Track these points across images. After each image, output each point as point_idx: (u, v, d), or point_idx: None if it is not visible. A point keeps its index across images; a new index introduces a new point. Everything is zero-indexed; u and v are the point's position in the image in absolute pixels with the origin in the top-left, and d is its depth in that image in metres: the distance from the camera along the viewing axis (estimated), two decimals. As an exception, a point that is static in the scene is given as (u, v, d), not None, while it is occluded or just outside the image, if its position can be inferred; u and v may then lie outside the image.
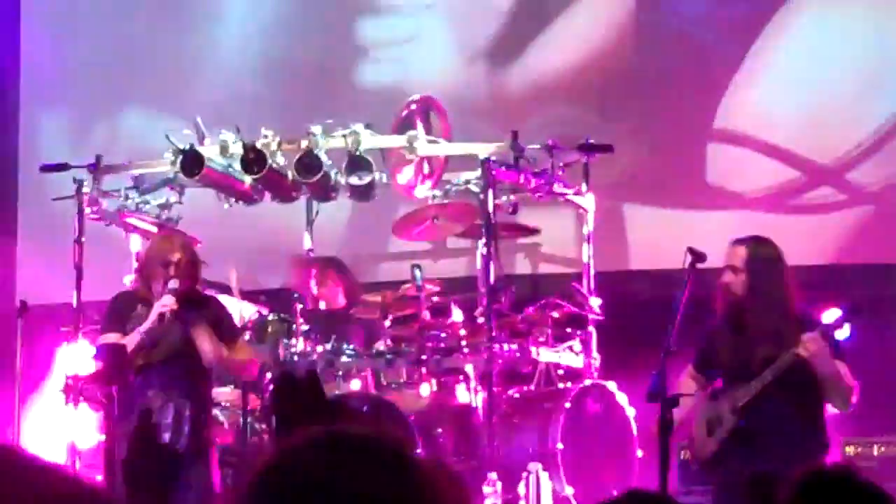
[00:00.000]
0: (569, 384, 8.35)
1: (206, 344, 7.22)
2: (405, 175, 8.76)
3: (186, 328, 7.33)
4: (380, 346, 8.32)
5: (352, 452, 1.74)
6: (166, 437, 7.16)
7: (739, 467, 6.95)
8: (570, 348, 8.51)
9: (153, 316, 7.13)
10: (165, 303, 7.07)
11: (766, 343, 6.97)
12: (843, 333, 8.40)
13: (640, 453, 7.93)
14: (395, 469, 1.73)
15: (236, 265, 8.86)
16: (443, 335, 8.36)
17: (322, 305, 8.78)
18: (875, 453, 8.41)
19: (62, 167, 8.80)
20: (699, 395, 7.24)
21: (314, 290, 8.81)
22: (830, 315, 7.17)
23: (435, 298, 8.47)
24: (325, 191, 8.81)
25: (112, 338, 7.36)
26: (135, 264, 8.46)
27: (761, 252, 7.07)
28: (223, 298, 8.36)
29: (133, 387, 7.37)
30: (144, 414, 7.05)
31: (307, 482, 1.66)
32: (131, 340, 7.20)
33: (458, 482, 3.66)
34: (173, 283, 7.25)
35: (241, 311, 8.55)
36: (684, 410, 7.05)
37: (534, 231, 9.02)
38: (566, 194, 8.73)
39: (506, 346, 8.20)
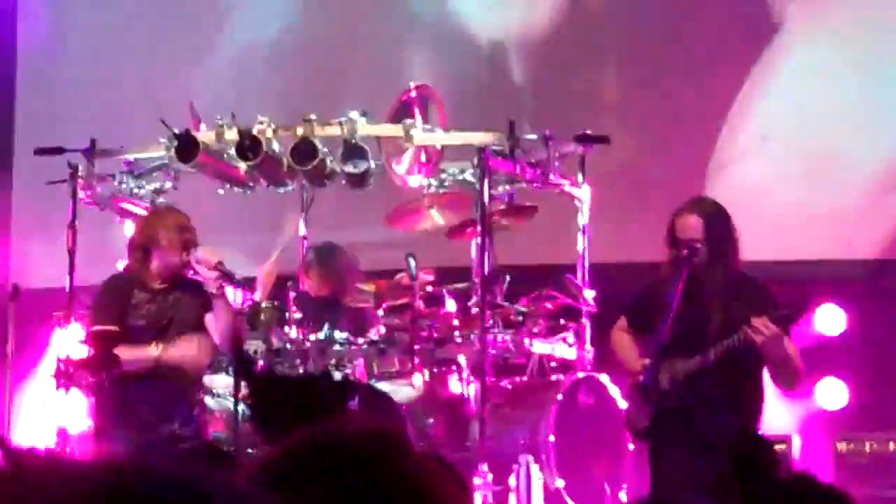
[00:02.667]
0: (561, 376, 8.38)
1: (221, 325, 7.32)
2: (401, 164, 8.72)
3: (204, 308, 7.44)
4: (372, 334, 8.24)
5: (340, 457, 1.71)
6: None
7: (673, 443, 6.99)
8: (564, 340, 8.52)
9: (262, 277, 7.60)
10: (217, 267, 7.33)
11: (720, 313, 6.99)
12: (832, 319, 8.49)
13: (632, 447, 7.87)
14: (388, 471, 1.71)
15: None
16: (436, 325, 8.35)
17: (316, 293, 8.75)
18: (867, 450, 8.49)
19: (57, 151, 8.75)
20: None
21: (315, 272, 8.88)
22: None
23: (429, 288, 8.45)
24: (320, 178, 8.76)
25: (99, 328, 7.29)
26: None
27: (715, 215, 7.11)
28: None
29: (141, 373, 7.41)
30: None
31: (294, 490, 1.62)
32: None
33: (457, 477, 3.70)
34: (202, 252, 7.48)
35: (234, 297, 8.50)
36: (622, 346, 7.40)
37: (532, 210, 8.91)
38: (562, 185, 8.75)
39: (499, 337, 8.24)
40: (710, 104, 10.50)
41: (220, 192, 8.92)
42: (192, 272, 7.74)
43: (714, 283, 7.06)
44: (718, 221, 7.09)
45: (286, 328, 8.17)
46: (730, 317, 6.95)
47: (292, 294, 8.31)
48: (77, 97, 11.24)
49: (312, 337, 8.11)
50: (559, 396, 8.06)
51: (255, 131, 8.55)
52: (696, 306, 7.02)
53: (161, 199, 8.99)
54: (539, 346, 8.43)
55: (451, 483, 1.96)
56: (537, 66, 10.85)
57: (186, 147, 8.54)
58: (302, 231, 9.14)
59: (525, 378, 8.47)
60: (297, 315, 8.21)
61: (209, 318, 7.51)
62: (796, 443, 8.44)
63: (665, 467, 6.98)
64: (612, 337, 7.56)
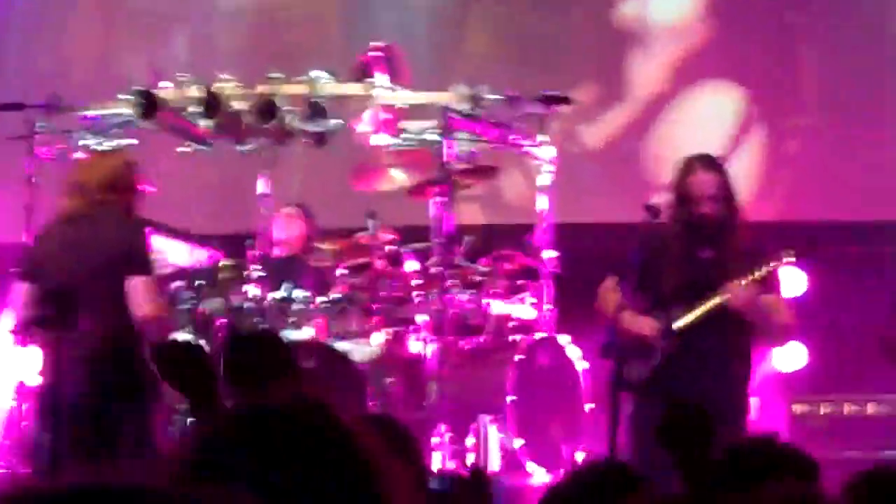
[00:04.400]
0: (520, 337, 8.39)
1: None
2: (363, 122, 8.75)
3: None
4: (332, 294, 8.32)
5: (272, 429, 1.74)
6: None
7: (665, 399, 6.71)
8: (522, 301, 8.57)
9: None
10: None
11: (725, 266, 6.96)
12: (794, 282, 8.63)
13: (589, 407, 7.96)
14: (313, 438, 1.73)
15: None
16: (395, 285, 8.41)
17: (276, 252, 8.87)
18: (821, 412, 8.66)
19: (16, 106, 8.73)
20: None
21: (278, 234, 8.92)
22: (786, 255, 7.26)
23: (389, 247, 8.52)
24: (281, 137, 8.66)
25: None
26: None
27: (723, 172, 7.09)
28: (172, 244, 8.41)
29: None
30: None
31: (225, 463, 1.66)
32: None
33: (404, 434, 3.76)
34: None
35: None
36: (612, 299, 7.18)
37: (493, 170, 9.03)
38: (523, 146, 8.78)
39: (458, 297, 8.30)
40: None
41: (180, 150, 8.88)
42: None
43: (720, 239, 7.02)
44: (729, 179, 7.10)
45: (245, 287, 8.22)
46: (734, 269, 6.93)
47: (251, 253, 8.32)
48: (34, 53, 11.16)
49: (271, 296, 8.19)
50: (518, 357, 8.10)
51: (215, 89, 8.54)
52: (694, 260, 7.00)
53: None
54: (498, 307, 8.45)
55: (385, 448, 1.98)
56: (503, 18, 10.80)
57: (147, 102, 8.49)
58: (262, 189, 8.90)
59: (483, 338, 8.46)
60: (257, 274, 8.26)
61: None
62: (753, 404, 8.43)
63: (643, 426, 6.82)
64: (601, 295, 7.31)
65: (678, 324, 6.91)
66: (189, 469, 1.63)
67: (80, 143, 8.77)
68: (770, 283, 7.06)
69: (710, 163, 7.13)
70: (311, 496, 1.64)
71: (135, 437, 6.39)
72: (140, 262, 7.10)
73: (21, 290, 7.21)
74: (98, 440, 6.53)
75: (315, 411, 1.79)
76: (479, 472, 6.29)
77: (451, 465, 7.60)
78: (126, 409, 6.64)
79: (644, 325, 6.96)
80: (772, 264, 7.00)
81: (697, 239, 6.98)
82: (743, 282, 6.88)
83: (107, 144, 8.84)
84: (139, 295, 6.92)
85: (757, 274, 6.92)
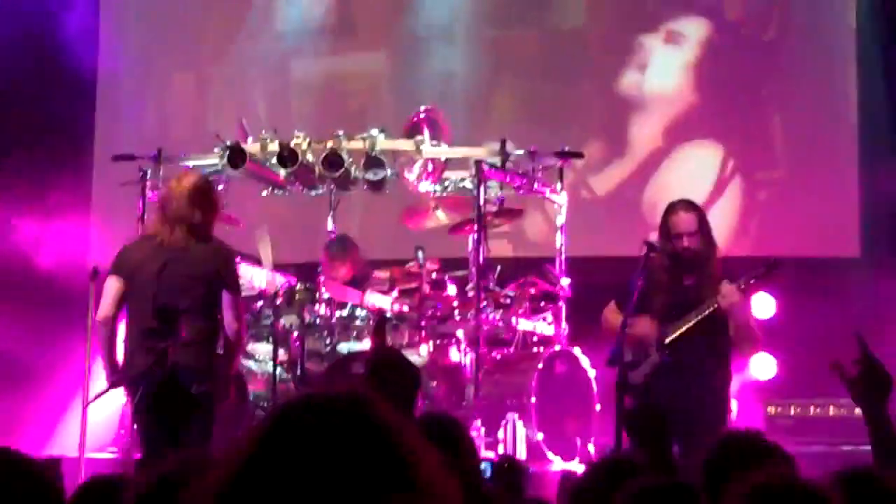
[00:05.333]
0: (541, 349, 8.36)
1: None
2: (412, 172, 8.79)
3: None
4: (388, 311, 8.29)
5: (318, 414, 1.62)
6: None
7: (661, 399, 6.85)
8: (544, 319, 8.52)
9: None
10: None
11: (703, 289, 6.93)
12: (765, 305, 8.62)
13: (598, 407, 7.94)
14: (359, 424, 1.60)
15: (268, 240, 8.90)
16: (439, 305, 8.37)
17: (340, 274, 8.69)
18: (791, 413, 8.53)
19: (130, 157, 8.83)
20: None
21: (333, 268, 8.72)
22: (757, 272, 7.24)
23: (434, 275, 8.45)
24: (345, 183, 8.81)
25: None
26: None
27: (700, 213, 7.08)
28: (255, 270, 8.37)
29: None
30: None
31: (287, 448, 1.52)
32: None
33: (454, 427, 3.68)
34: None
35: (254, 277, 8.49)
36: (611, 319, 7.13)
37: (519, 212, 8.97)
38: (544, 192, 8.76)
39: (490, 316, 8.25)
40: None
41: (264, 193, 8.97)
42: None
43: (699, 267, 6.97)
44: (706, 219, 7.07)
45: (316, 306, 8.20)
46: (711, 291, 6.89)
47: (322, 278, 8.32)
48: (144, 110, 11.11)
49: (338, 314, 8.20)
50: (539, 365, 8.05)
51: (292, 144, 8.63)
52: (679, 286, 6.98)
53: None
54: (523, 324, 8.41)
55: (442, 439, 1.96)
56: (526, 88, 10.74)
57: (236, 155, 8.60)
58: (330, 227, 9.06)
59: (512, 350, 8.45)
60: (326, 295, 8.25)
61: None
62: (734, 406, 8.26)
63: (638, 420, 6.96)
64: (604, 316, 7.30)
65: (669, 338, 6.89)
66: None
67: None
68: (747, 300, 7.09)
69: (689, 204, 7.09)
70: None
71: (202, 429, 6.13)
72: (233, 284, 6.89)
73: (112, 285, 6.77)
74: (179, 431, 6.37)
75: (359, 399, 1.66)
76: (512, 460, 6.57)
77: (486, 454, 7.39)
78: (204, 406, 6.38)
79: (646, 327, 6.94)
80: (753, 276, 6.97)
81: (680, 268, 6.96)
82: (732, 285, 6.82)
83: None
84: (230, 312, 6.73)
85: (742, 283, 6.89)
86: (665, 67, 10.60)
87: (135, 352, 6.49)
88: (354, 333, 8.20)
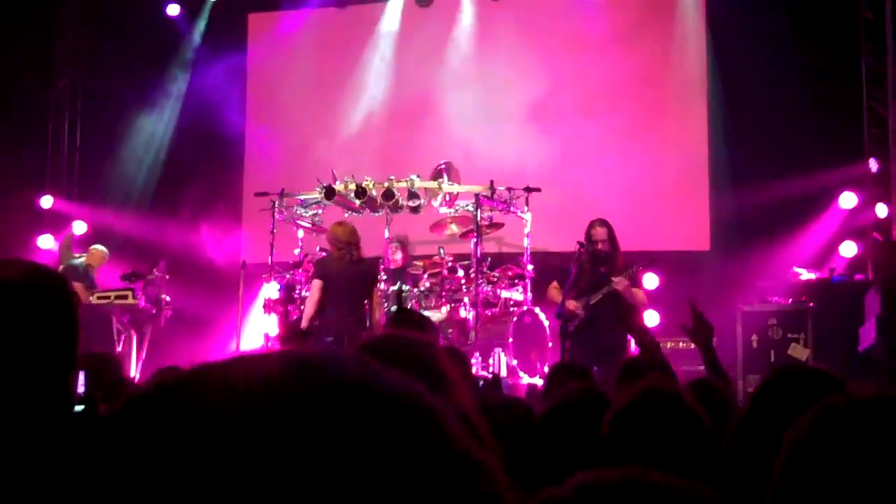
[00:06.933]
0: (515, 309, 8.32)
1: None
2: (437, 201, 8.91)
3: None
4: (421, 287, 8.36)
5: (393, 345, 1.59)
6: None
7: (587, 343, 6.95)
8: (517, 290, 8.49)
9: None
10: None
11: (610, 275, 7.03)
12: (652, 281, 8.51)
13: (550, 344, 7.90)
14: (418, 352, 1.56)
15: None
16: (453, 282, 8.36)
17: (392, 266, 8.75)
18: (667, 347, 8.24)
19: (265, 193, 8.90)
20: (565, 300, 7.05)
21: (391, 256, 8.82)
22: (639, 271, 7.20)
23: (450, 264, 8.46)
24: (395, 208, 8.86)
25: (317, 284, 7.23)
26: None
27: (609, 227, 7.15)
28: None
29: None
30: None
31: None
32: None
33: (462, 355, 3.53)
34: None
35: None
36: (552, 294, 7.24)
37: (501, 225, 8.80)
38: (517, 212, 8.74)
39: (484, 289, 8.27)
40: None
41: (346, 215, 8.92)
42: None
43: (608, 261, 7.08)
44: (613, 231, 7.16)
45: (380, 284, 8.02)
46: (612, 276, 7.02)
47: (381, 266, 8.32)
48: (272, 161, 10.81)
49: (392, 288, 8.25)
50: (514, 319, 8.06)
51: (363, 184, 8.71)
52: (597, 271, 7.09)
53: (316, 219, 8.96)
54: (505, 294, 8.42)
55: (455, 361, 1.88)
56: (513, 142, 10.19)
57: (329, 192, 8.69)
58: (386, 235, 8.91)
59: (497, 310, 8.39)
60: (383, 275, 8.22)
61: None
62: (632, 344, 7.22)
63: (572, 351, 6.85)
64: (549, 291, 7.42)
65: (591, 302, 7.09)
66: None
67: (297, 211, 8.93)
68: (636, 280, 7.20)
69: (602, 221, 7.21)
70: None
71: None
72: (376, 285, 7.36)
73: (316, 286, 7.20)
74: None
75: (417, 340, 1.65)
76: (496, 376, 6.78)
77: (482, 373, 7.44)
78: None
79: (574, 304, 7.17)
80: (634, 269, 7.12)
81: (597, 261, 7.17)
82: (620, 277, 7.03)
83: (308, 213, 8.98)
84: (374, 304, 7.26)
85: (627, 274, 7.08)
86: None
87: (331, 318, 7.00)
88: (402, 300, 8.10)
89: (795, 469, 1.00)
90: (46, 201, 10.99)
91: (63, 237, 9.82)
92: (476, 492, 0.53)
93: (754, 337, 8.28)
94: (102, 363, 3.46)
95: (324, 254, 7.79)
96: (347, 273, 7.16)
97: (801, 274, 8.73)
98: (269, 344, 7.59)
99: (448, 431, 0.55)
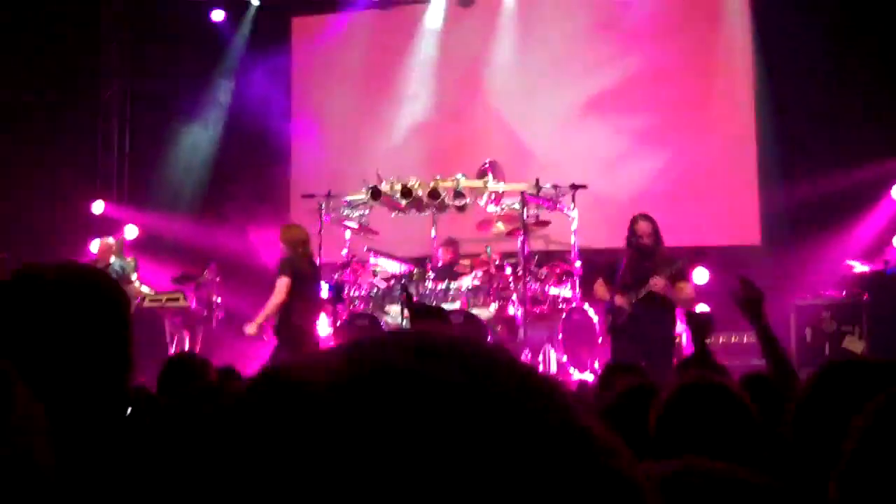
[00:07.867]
0: (564, 305, 8.31)
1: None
2: (483, 199, 8.94)
3: None
4: (469, 284, 8.35)
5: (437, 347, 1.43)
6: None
7: (634, 338, 6.97)
8: (565, 287, 8.45)
9: None
10: None
11: (653, 270, 6.96)
12: (702, 276, 8.51)
13: (600, 340, 7.89)
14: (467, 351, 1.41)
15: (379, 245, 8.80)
16: (501, 280, 8.32)
17: (440, 264, 8.84)
18: (720, 341, 8.31)
19: (311, 195, 8.99)
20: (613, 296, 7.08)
21: (440, 254, 8.91)
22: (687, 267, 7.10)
23: (497, 261, 8.42)
24: (441, 208, 8.97)
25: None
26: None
27: (653, 221, 7.09)
28: (388, 261, 8.62)
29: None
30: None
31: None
32: None
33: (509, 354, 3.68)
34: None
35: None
36: (600, 292, 7.24)
37: (547, 223, 8.75)
38: (563, 209, 8.72)
39: (532, 286, 8.23)
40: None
41: (392, 215, 9.12)
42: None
43: (652, 256, 6.99)
44: (656, 225, 7.09)
45: (427, 282, 8.42)
46: (654, 274, 6.94)
47: (429, 265, 8.60)
48: (319, 163, 10.81)
49: (440, 286, 8.35)
50: (563, 316, 8.08)
51: (409, 184, 8.83)
52: (641, 267, 6.99)
53: (362, 220, 9.05)
54: (553, 290, 8.37)
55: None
56: (559, 139, 10.20)
57: (375, 193, 8.81)
58: (432, 234, 9.10)
59: (546, 307, 8.34)
60: (431, 274, 8.46)
61: None
62: (684, 339, 7.72)
63: (622, 347, 6.92)
64: (595, 288, 7.38)
65: (636, 299, 7.02)
66: None
67: (344, 212, 9.06)
68: (684, 275, 7.08)
69: (646, 217, 7.16)
70: None
71: None
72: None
73: (285, 284, 7.17)
74: None
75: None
76: (547, 374, 6.89)
77: None
78: None
79: (621, 299, 7.14)
80: (680, 263, 6.98)
81: (642, 256, 7.10)
82: (658, 277, 6.91)
83: (355, 213, 9.04)
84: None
85: (668, 272, 6.92)
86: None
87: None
88: (450, 298, 8.28)
89: (865, 454, 1.00)
90: (98, 206, 11.13)
91: (115, 240, 9.75)
92: (617, 477, 0.55)
93: (808, 331, 8.29)
94: (193, 364, 3.61)
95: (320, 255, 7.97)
96: (312, 272, 7.35)
97: (854, 266, 8.67)
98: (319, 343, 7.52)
99: (579, 415, 0.57)
